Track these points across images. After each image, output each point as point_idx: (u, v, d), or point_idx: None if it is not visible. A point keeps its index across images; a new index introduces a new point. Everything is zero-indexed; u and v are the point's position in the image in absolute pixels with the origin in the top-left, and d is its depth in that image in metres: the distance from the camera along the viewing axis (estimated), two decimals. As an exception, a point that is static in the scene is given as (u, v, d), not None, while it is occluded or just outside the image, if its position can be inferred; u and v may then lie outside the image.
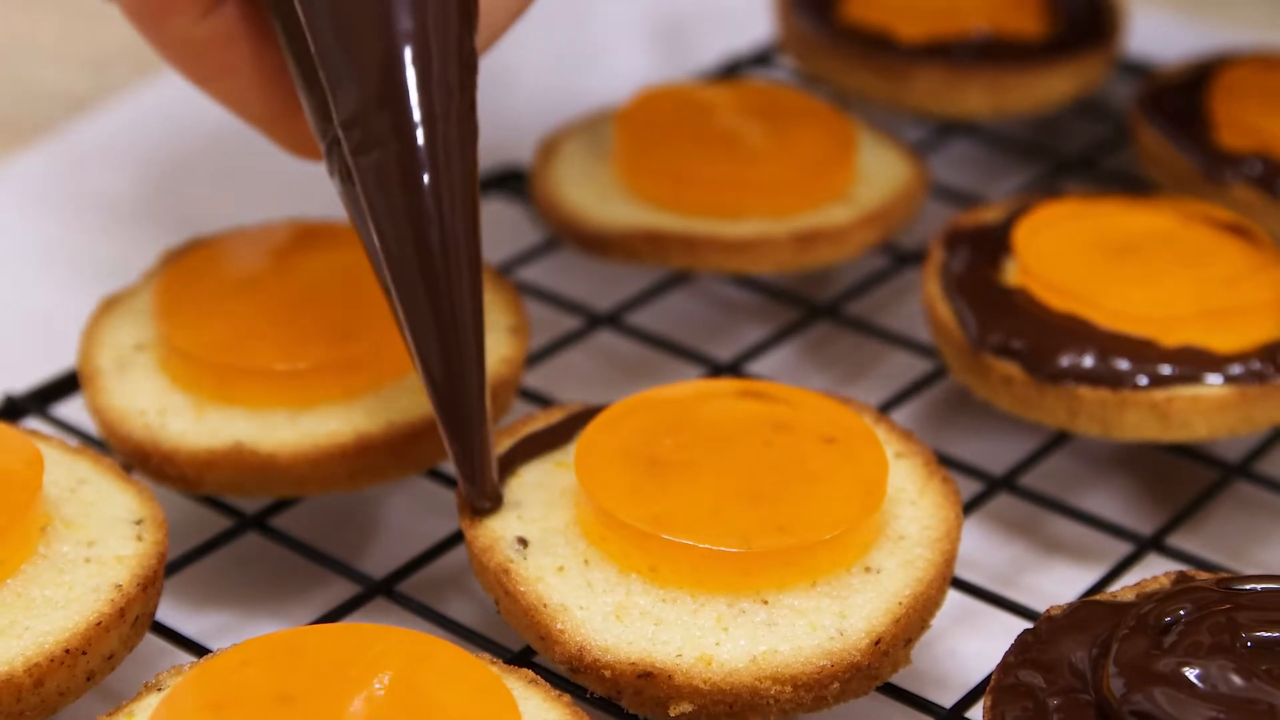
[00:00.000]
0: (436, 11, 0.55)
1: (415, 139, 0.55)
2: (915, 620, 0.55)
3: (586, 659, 0.54)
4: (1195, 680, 0.50)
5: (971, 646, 0.61)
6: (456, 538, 0.62)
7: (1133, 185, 0.81)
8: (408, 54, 0.55)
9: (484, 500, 0.57)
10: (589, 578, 0.55)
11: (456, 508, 0.58)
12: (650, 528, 0.55)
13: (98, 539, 0.56)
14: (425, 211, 0.54)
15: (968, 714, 0.56)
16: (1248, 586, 0.54)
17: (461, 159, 0.55)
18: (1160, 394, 0.63)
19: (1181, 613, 0.52)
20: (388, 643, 0.51)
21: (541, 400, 0.68)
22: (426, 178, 0.55)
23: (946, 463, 0.65)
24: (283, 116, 0.60)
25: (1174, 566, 0.62)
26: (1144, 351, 0.63)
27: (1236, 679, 0.50)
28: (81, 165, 0.87)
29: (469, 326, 0.55)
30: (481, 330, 0.55)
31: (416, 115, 0.55)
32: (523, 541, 0.56)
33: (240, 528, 0.62)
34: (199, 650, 0.57)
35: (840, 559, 0.56)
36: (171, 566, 0.60)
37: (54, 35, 1.01)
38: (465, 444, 0.56)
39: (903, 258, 0.77)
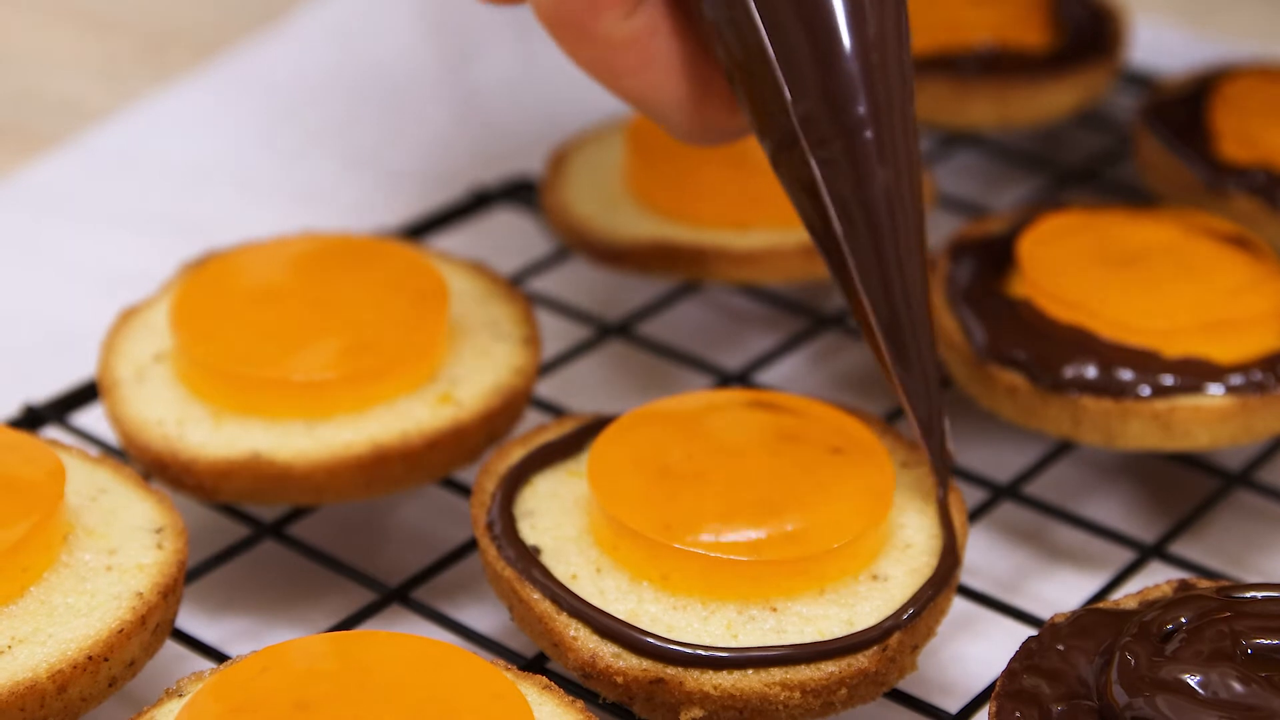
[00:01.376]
0: (886, 25, 0.58)
1: (864, 135, 0.57)
2: (922, 627, 0.56)
3: (599, 665, 0.55)
4: (1197, 687, 0.51)
5: (977, 653, 0.62)
6: (471, 545, 0.63)
7: (1136, 196, 0.81)
8: (854, 52, 0.57)
9: (942, 460, 0.59)
10: (601, 585, 0.56)
11: (471, 517, 0.59)
12: (662, 536, 0.56)
13: (119, 547, 0.57)
14: (877, 198, 0.57)
15: (972, 720, 0.57)
16: (1248, 594, 0.55)
17: (907, 153, 0.58)
18: (1162, 404, 0.64)
19: (1183, 620, 0.53)
20: (403, 650, 0.52)
21: (553, 410, 0.69)
22: (878, 169, 0.57)
23: (952, 471, 0.66)
24: (694, 104, 0.61)
25: (1176, 574, 0.63)
26: (1146, 362, 0.64)
27: (1237, 686, 0.51)
28: (99, 175, 0.88)
29: (922, 302, 0.58)
30: (930, 302, 0.59)
31: (863, 112, 0.57)
32: (536, 550, 0.57)
33: (258, 536, 0.63)
34: (218, 656, 0.58)
35: (848, 567, 0.57)
36: (191, 574, 0.61)
37: (69, 45, 1.01)
38: (926, 412, 0.59)
39: (909, 268, 0.77)
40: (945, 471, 0.59)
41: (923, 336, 0.58)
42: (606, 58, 0.59)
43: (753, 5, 0.57)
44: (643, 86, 0.60)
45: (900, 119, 0.58)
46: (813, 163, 0.57)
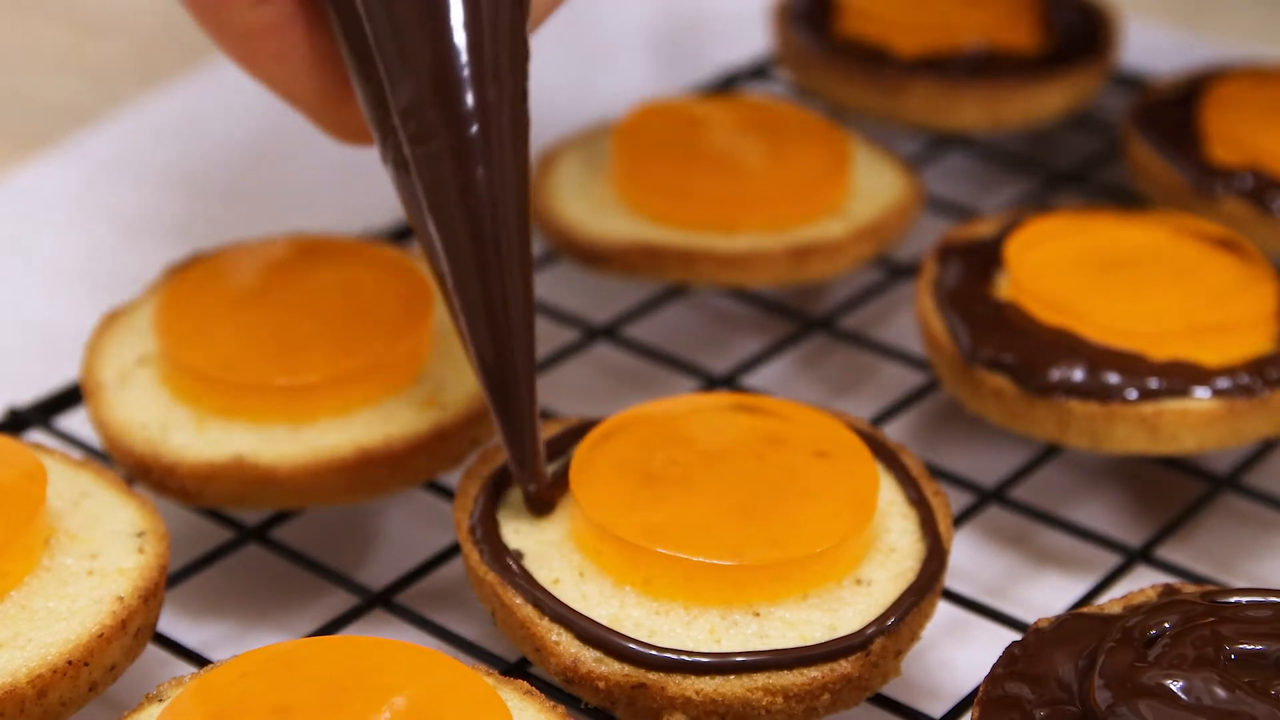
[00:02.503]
0: (490, 1, 0.57)
1: (469, 130, 0.56)
2: (905, 632, 0.56)
3: (581, 670, 0.55)
4: (1179, 692, 0.51)
5: (963, 657, 0.62)
6: (454, 550, 0.63)
7: (1125, 198, 0.81)
8: (462, 44, 0.56)
9: (532, 482, 0.58)
10: (584, 590, 0.56)
11: (454, 521, 0.59)
12: (644, 541, 0.56)
13: (100, 551, 0.57)
14: (479, 200, 0.56)
15: (956, 725, 0.57)
16: (1232, 599, 0.55)
17: (514, 147, 0.57)
18: (1149, 407, 0.63)
19: (1166, 626, 0.53)
20: (384, 655, 0.52)
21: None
22: (480, 168, 0.56)
23: (938, 475, 0.66)
24: (332, 102, 0.61)
25: (1163, 578, 0.63)
26: (1133, 365, 0.64)
27: (1220, 691, 0.51)
28: (86, 178, 0.88)
29: (520, 312, 0.57)
30: (532, 316, 0.57)
31: (470, 106, 0.56)
32: (518, 554, 0.57)
33: (241, 539, 0.63)
34: (200, 661, 0.58)
35: (831, 572, 0.57)
36: (173, 578, 0.61)
37: (59, 47, 1.01)
38: (515, 426, 0.57)
39: (897, 271, 0.77)
40: (538, 498, 0.58)
41: (519, 347, 0.57)
42: (242, 46, 0.59)
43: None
44: (281, 77, 0.60)
45: (510, 117, 0.56)
46: (410, 158, 0.56)
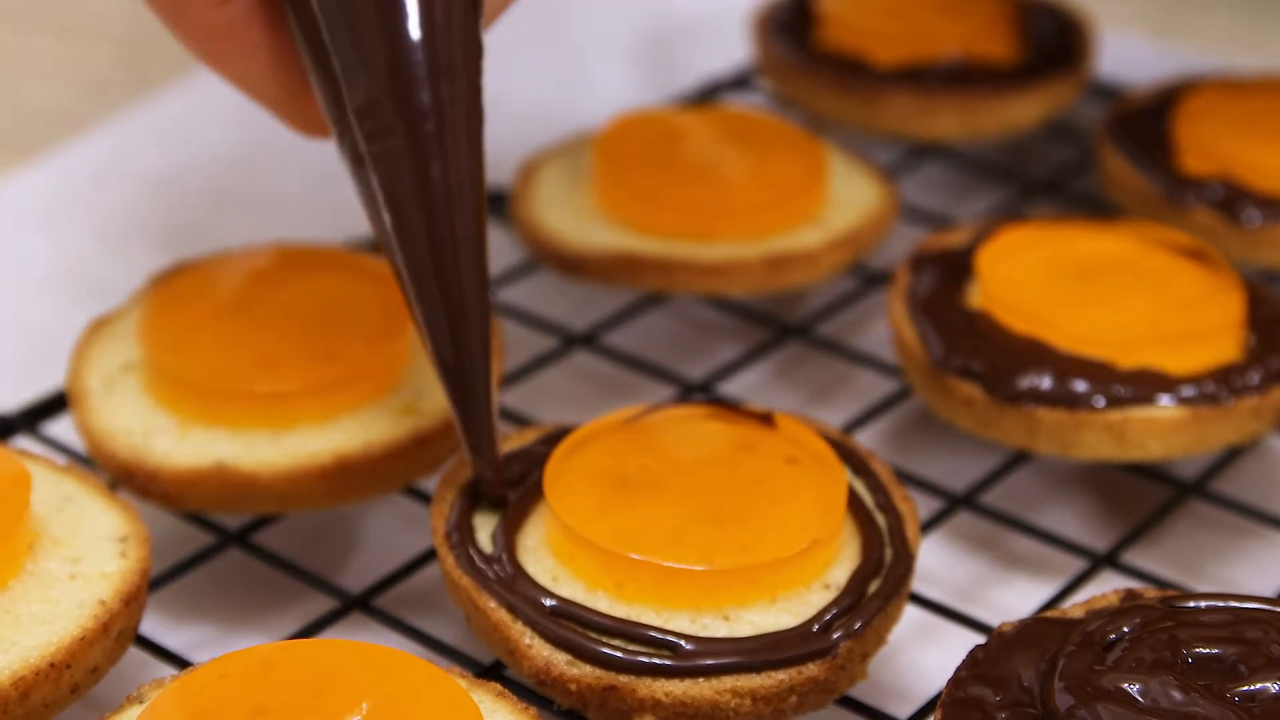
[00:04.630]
0: (454, 11, 0.58)
1: (424, 127, 0.57)
2: (872, 636, 0.57)
3: (553, 673, 0.56)
4: (1137, 695, 0.52)
5: (930, 659, 0.63)
6: (432, 553, 0.64)
7: (1098, 208, 0.82)
8: (415, 42, 0.57)
9: (490, 471, 0.59)
10: (558, 594, 0.57)
11: (431, 527, 0.60)
12: (617, 546, 0.57)
13: (83, 556, 0.58)
14: (434, 196, 0.57)
15: (921, 727, 0.58)
16: (1191, 604, 0.56)
17: (469, 144, 0.58)
18: (1116, 415, 0.64)
19: (1126, 630, 0.54)
20: (359, 658, 0.53)
21: (518, 419, 0.70)
22: (436, 164, 0.57)
23: (909, 481, 0.67)
24: (294, 97, 0.62)
25: (1129, 582, 0.64)
26: (1101, 373, 0.65)
27: (1176, 694, 0.52)
28: (75, 186, 0.89)
29: (476, 305, 0.58)
30: (488, 310, 0.58)
31: (425, 103, 0.57)
32: (493, 558, 0.58)
33: (223, 544, 0.64)
34: (181, 663, 0.59)
35: (800, 576, 0.58)
36: (156, 581, 0.62)
37: (49, 55, 1.02)
38: (472, 418, 0.58)
39: (873, 279, 0.79)
40: (494, 485, 0.59)
41: (475, 340, 0.57)
42: (205, 45, 0.60)
43: None
44: (245, 74, 0.61)
45: (464, 114, 0.57)
46: (366, 155, 0.57)
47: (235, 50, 0.61)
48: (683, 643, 0.55)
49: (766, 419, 0.62)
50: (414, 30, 0.57)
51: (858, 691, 0.58)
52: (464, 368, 0.58)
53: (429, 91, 0.57)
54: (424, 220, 0.57)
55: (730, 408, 0.62)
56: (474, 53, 0.58)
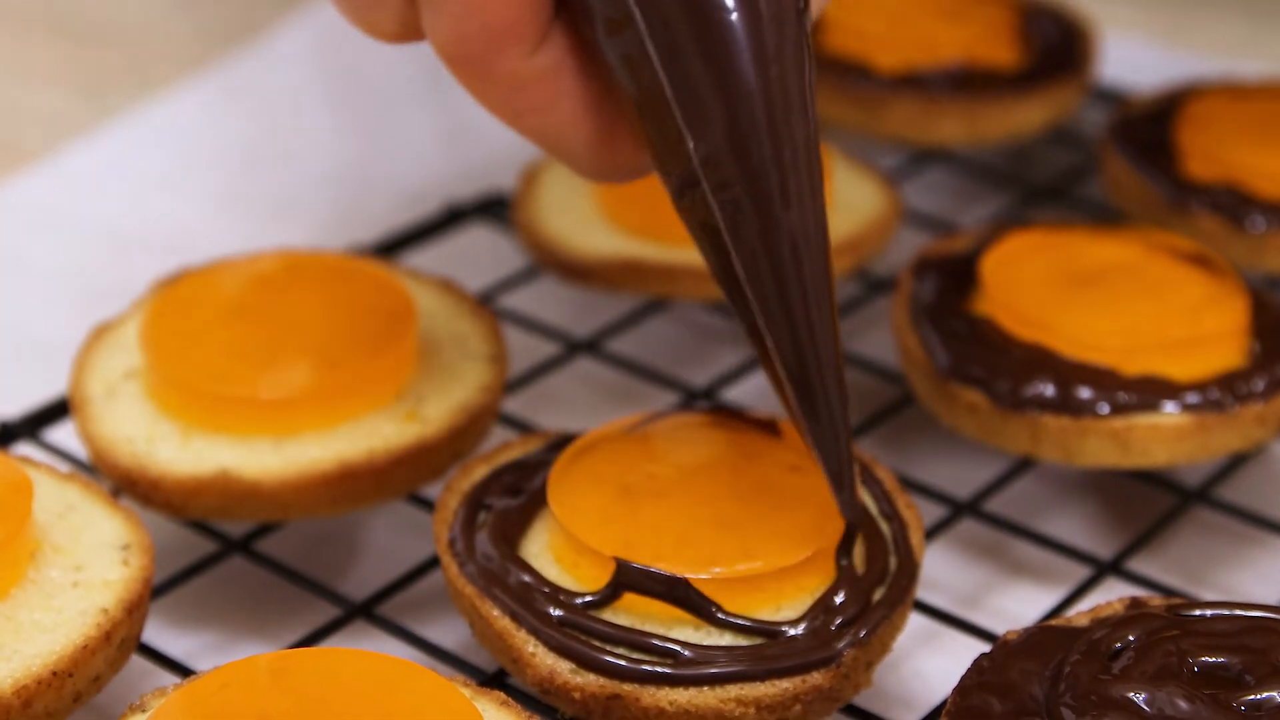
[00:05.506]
0: (787, 63, 0.55)
1: (770, 178, 0.55)
2: (876, 644, 0.57)
3: (557, 681, 0.56)
4: (1143, 705, 0.52)
5: (936, 668, 0.63)
6: (435, 561, 0.64)
7: (1102, 213, 0.82)
8: (753, 89, 0.54)
9: (853, 514, 0.57)
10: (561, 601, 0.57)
11: (434, 535, 0.60)
12: (621, 554, 0.57)
13: (85, 564, 0.58)
14: (782, 247, 0.55)
15: (926, 735, 0.58)
16: (1196, 613, 0.56)
17: (811, 192, 0.56)
18: (1120, 422, 0.64)
19: (1131, 638, 0.54)
20: (363, 666, 0.52)
21: (521, 426, 0.70)
22: (783, 213, 0.55)
23: (913, 488, 0.67)
24: (601, 143, 0.58)
25: (1133, 590, 0.64)
26: (1105, 380, 0.65)
27: (1183, 703, 0.52)
28: (77, 190, 0.89)
29: (830, 349, 0.56)
30: (839, 347, 0.56)
31: (769, 153, 0.55)
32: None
33: (226, 551, 0.64)
34: (184, 671, 0.59)
35: (804, 584, 0.57)
36: (159, 589, 0.62)
37: (50, 59, 1.02)
38: (834, 458, 0.56)
39: (875, 285, 0.78)
40: (857, 520, 0.58)
41: (832, 386, 0.56)
42: (510, 97, 0.56)
43: (649, 44, 0.54)
44: (548, 125, 0.57)
45: (805, 159, 0.56)
46: (714, 206, 0.55)
47: (544, 100, 0.56)
48: (687, 651, 0.55)
49: (770, 426, 0.61)
50: (754, 77, 0.55)
51: (862, 700, 0.58)
52: (824, 414, 0.56)
53: (770, 142, 0.55)
54: (772, 268, 0.55)
55: (734, 414, 0.62)
56: (811, 117, 0.56)
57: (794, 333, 0.55)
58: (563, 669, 0.56)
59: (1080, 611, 0.57)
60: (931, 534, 0.65)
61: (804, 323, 0.56)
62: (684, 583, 0.56)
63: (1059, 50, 0.88)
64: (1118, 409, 0.65)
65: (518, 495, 0.60)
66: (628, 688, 0.55)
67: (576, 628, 0.56)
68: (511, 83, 0.56)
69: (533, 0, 0.54)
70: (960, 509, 0.67)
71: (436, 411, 0.64)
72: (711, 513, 0.58)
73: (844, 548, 0.58)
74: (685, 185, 0.56)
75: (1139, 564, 0.66)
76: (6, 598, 0.56)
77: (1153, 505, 0.69)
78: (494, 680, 0.59)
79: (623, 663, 0.55)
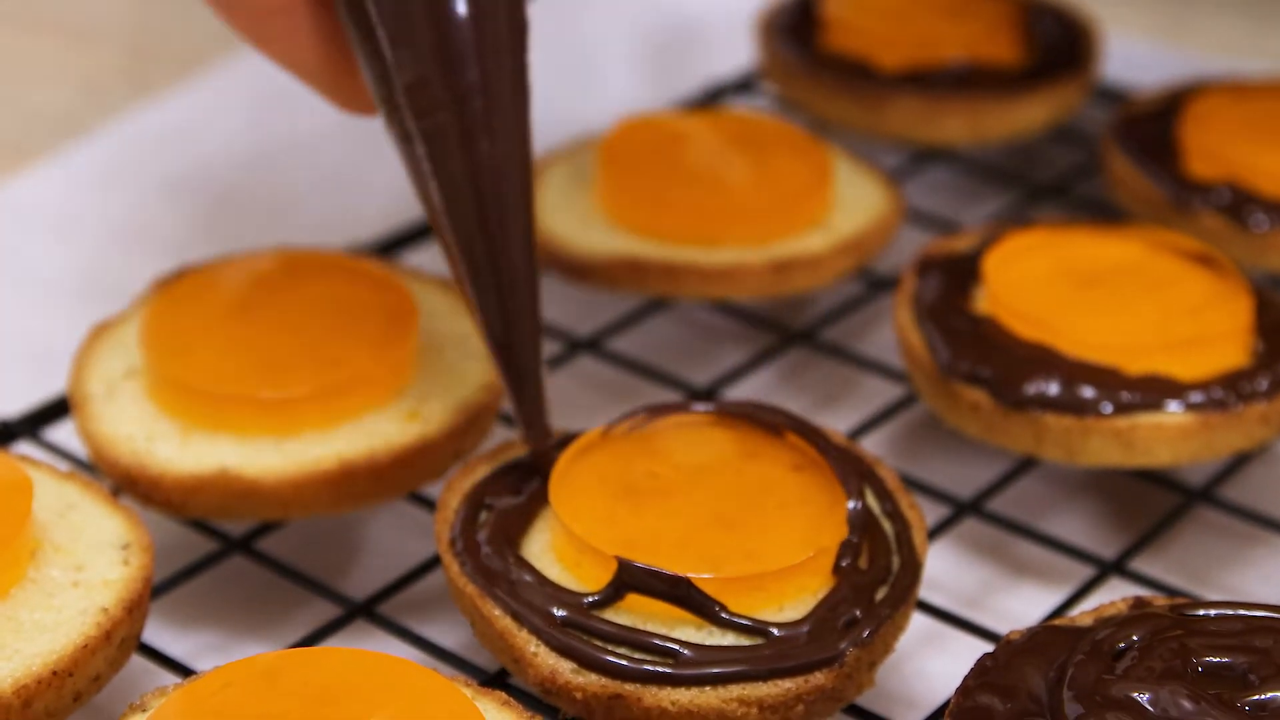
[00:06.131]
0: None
1: (472, 104, 0.58)
2: (879, 644, 0.57)
3: (559, 681, 0.55)
4: (1147, 705, 0.51)
5: (938, 667, 0.63)
6: (436, 560, 0.63)
7: (1105, 212, 0.82)
8: (463, 19, 0.58)
9: (541, 441, 0.60)
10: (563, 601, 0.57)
11: (435, 534, 0.59)
12: (623, 554, 0.57)
13: (85, 563, 0.58)
14: (482, 172, 0.58)
15: (929, 736, 0.57)
16: (1200, 612, 0.55)
17: (515, 120, 0.59)
18: (1123, 421, 0.64)
19: (1135, 638, 0.54)
20: (363, 666, 0.52)
21: (522, 425, 0.70)
22: (484, 140, 0.58)
23: (916, 487, 0.66)
24: (341, 76, 0.62)
25: (1136, 590, 0.63)
26: (1108, 379, 0.65)
27: (1187, 703, 0.51)
28: (77, 188, 0.88)
29: (524, 276, 0.59)
30: (536, 280, 0.59)
31: (473, 80, 0.58)
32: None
33: (226, 550, 0.64)
34: (184, 671, 0.59)
35: (807, 584, 0.57)
36: (159, 588, 0.62)
37: (51, 58, 1.02)
38: (524, 390, 0.60)
39: (878, 284, 0.78)
40: (543, 445, 0.60)
41: (525, 317, 0.59)
42: (255, 26, 0.61)
43: None
44: (291, 53, 0.62)
45: (510, 90, 0.58)
46: (415, 130, 0.58)
47: (284, 29, 0.61)
48: (688, 651, 0.55)
49: (773, 426, 0.61)
50: (461, 8, 0.58)
51: (865, 700, 0.58)
52: (514, 341, 0.59)
53: (476, 68, 0.58)
54: (473, 195, 0.58)
55: (731, 412, 0.62)
56: (519, 30, 0.59)
57: (495, 269, 0.58)
58: (564, 669, 0.55)
59: (1084, 611, 0.57)
60: (934, 533, 0.65)
61: (502, 249, 0.58)
62: (686, 582, 0.56)
63: (1061, 49, 0.88)
64: (1121, 408, 0.64)
65: (519, 494, 0.60)
66: (629, 688, 0.55)
67: (578, 627, 0.56)
68: (254, 12, 0.60)
69: None
70: (963, 508, 0.66)
71: (437, 411, 0.64)
72: (714, 512, 0.58)
73: (847, 547, 0.58)
74: (391, 111, 0.59)
75: (1142, 564, 0.66)
76: (6, 597, 0.56)
77: (1156, 505, 0.69)
78: (495, 680, 0.59)
79: (624, 663, 0.55)
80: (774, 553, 0.57)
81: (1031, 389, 0.65)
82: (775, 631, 0.56)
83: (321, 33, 0.61)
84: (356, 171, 0.90)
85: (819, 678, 0.55)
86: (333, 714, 0.51)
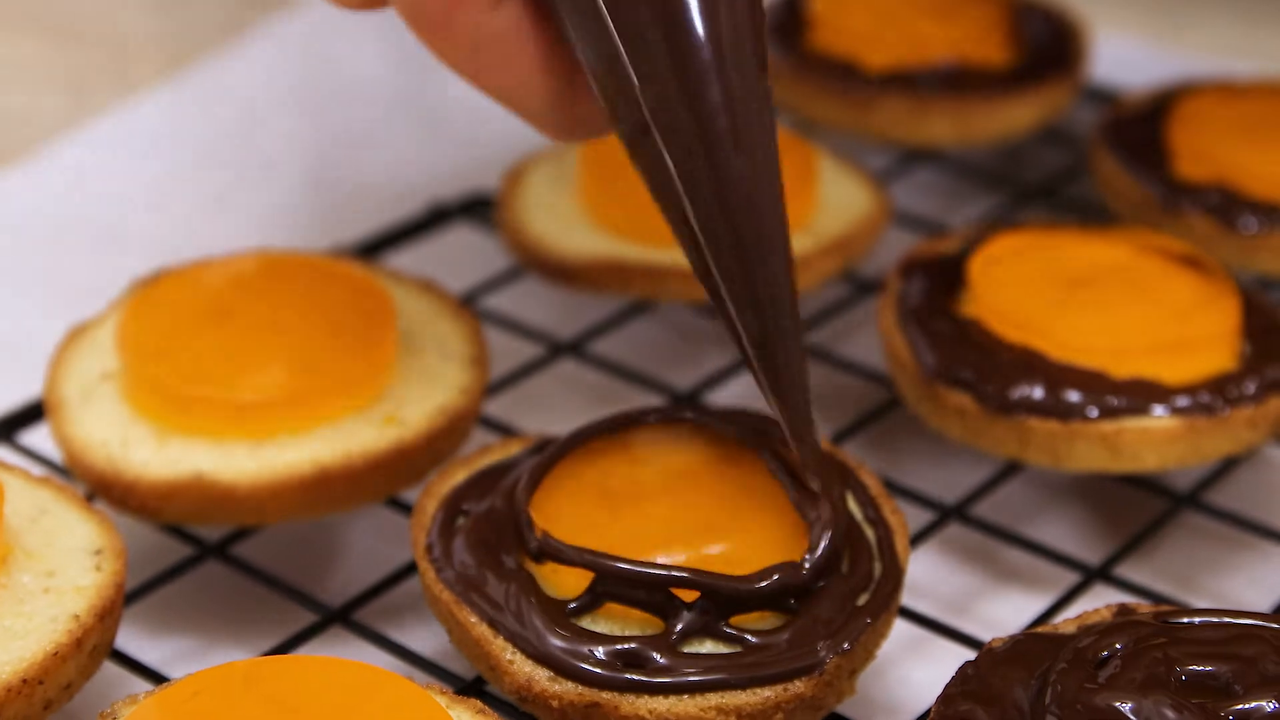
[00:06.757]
0: (733, 18, 0.56)
1: (718, 121, 0.55)
2: (860, 652, 0.56)
3: (535, 689, 0.55)
4: (1129, 714, 0.51)
5: (921, 675, 0.62)
6: (413, 566, 0.63)
7: (1093, 214, 0.81)
8: (703, 37, 0.55)
9: (814, 458, 0.57)
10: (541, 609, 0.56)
11: (412, 540, 0.59)
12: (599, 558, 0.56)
13: (57, 569, 0.57)
14: (735, 191, 0.56)
15: (910, 744, 0.57)
16: (1185, 620, 0.55)
17: (763, 137, 0.56)
18: (1109, 426, 0.64)
19: (1118, 646, 0.53)
20: (337, 674, 0.52)
21: (503, 429, 0.69)
22: (734, 157, 0.56)
23: (899, 492, 0.66)
24: (560, 99, 0.59)
25: (1122, 596, 0.63)
26: (1094, 383, 0.64)
27: (1170, 713, 0.51)
28: (56, 190, 0.88)
29: (787, 294, 0.56)
30: (795, 298, 0.57)
31: (718, 98, 0.55)
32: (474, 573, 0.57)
33: (201, 556, 0.63)
34: (157, 678, 0.58)
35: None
36: (133, 594, 0.61)
37: (32, 58, 1.01)
38: (792, 405, 0.57)
39: (862, 286, 0.78)
40: (821, 470, 0.58)
41: (790, 333, 0.57)
42: (470, 55, 0.57)
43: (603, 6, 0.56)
44: (508, 83, 0.58)
45: (757, 106, 0.56)
46: (664, 151, 0.56)
47: (503, 58, 0.57)
48: (666, 659, 0.54)
49: (753, 429, 0.61)
50: (700, 24, 0.55)
51: (846, 708, 0.58)
52: (779, 356, 0.57)
53: (719, 86, 0.55)
54: (725, 215, 0.56)
55: (709, 416, 0.61)
56: (763, 66, 0.57)
57: (749, 278, 0.56)
58: (541, 676, 0.55)
59: (1067, 619, 0.57)
60: (917, 539, 0.64)
61: (759, 266, 0.56)
62: (665, 588, 0.55)
63: (1050, 49, 0.87)
64: (1107, 412, 0.64)
65: (497, 500, 0.60)
66: (606, 696, 0.54)
67: (555, 635, 0.55)
68: (471, 41, 0.56)
69: None
70: (947, 514, 0.66)
71: (416, 414, 0.64)
72: (693, 517, 0.57)
73: (822, 550, 0.57)
74: (636, 134, 0.56)
75: (1128, 570, 0.66)
76: (-23, 604, 0.56)
77: (1142, 510, 0.68)
78: (472, 688, 0.58)
79: (601, 671, 0.54)
80: (753, 557, 0.56)
81: (1017, 393, 0.64)
82: (754, 639, 0.55)
83: (544, 57, 0.57)
84: (339, 172, 0.90)
85: (799, 686, 0.55)
86: (304, 723, 0.50)
